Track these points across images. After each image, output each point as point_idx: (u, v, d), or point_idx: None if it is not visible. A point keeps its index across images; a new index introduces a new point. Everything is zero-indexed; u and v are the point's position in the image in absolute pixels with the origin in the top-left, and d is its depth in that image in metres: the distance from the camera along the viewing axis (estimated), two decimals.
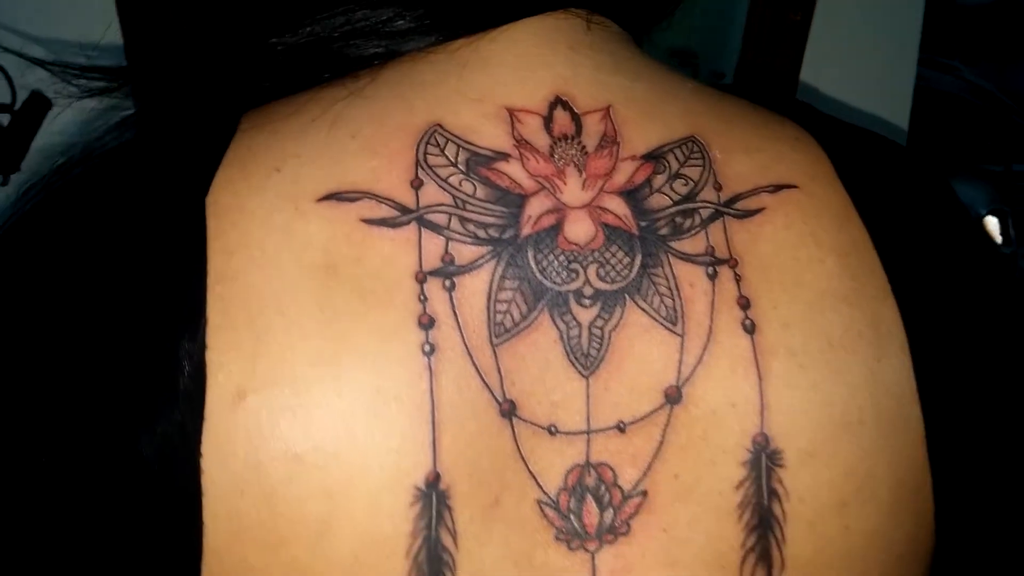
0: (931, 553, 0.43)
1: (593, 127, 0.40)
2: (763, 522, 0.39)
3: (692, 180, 0.41)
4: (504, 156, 0.39)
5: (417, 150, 0.39)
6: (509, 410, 0.37)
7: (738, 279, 0.40)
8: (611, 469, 0.38)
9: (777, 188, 0.42)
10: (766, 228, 0.41)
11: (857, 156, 0.45)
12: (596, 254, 0.39)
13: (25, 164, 0.99)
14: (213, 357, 0.35)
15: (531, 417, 0.38)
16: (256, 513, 0.35)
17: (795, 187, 0.42)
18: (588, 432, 0.38)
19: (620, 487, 0.38)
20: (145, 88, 0.43)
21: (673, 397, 0.39)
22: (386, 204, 0.38)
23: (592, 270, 0.39)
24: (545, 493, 0.38)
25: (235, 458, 0.35)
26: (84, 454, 0.35)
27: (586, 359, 0.38)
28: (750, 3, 1.31)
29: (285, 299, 0.36)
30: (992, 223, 1.38)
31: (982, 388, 0.43)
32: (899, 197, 0.44)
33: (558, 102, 0.40)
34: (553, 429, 0.38)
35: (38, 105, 0.99)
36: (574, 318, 0.38)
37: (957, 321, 0.42)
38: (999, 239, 1.37)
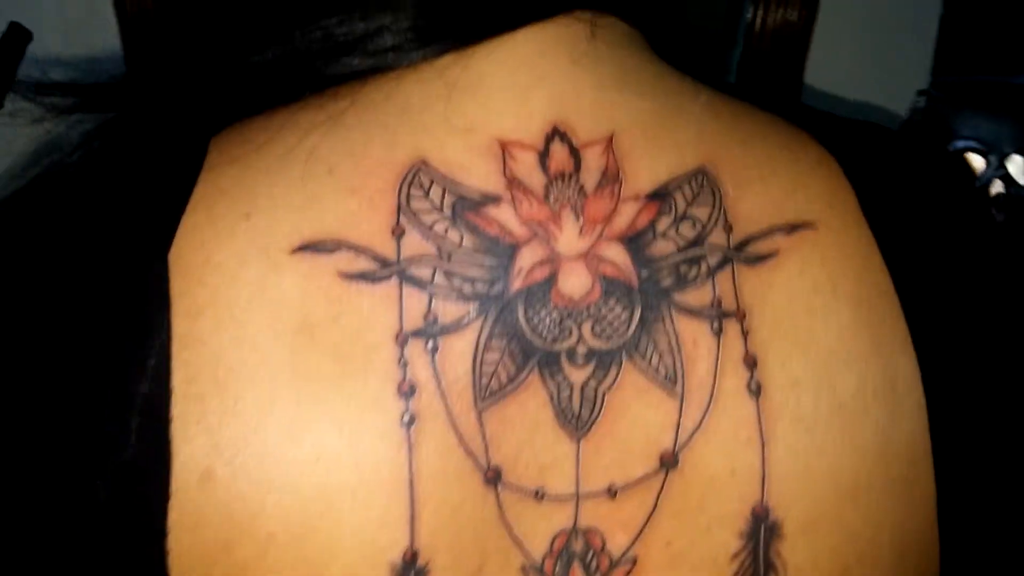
0: None
1: (593, 162, 0.36)
2: None
3: (700, 222, 0.37)
4: (495, 199, 0.35)
5: (399, 192, 0.35)
6: (494, 477, 0.35)
7: (745, 334, 0.37)
8: (600, 535, 0.36)
9: (793, 228, 0.38)
10: (779, 275, 0.38)
11: (883, 180, 0.41)
12: (592, 309, 0.36)
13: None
14: (178, 430, 0.33)
15: (517, 482, 0.35)
16: None
17: (813, 226, 0.38)
18: (577, 496, 0.36)
19: (608, 553, 0.36)
20: (108, 104, 0.38)
21: (669, 462, 0.36)
22: (365, 256, 0.34)
23: (587, 327, 0.36)
24: (530, 559, 0.36)
25: (204, 536, 0.33)
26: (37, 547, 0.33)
27: (577, 421, 0.36)
28: None
29: (256, 365, 0.33)
30: (1017, 163, 1.32)
31: (1000, 446, 0.40)
32: (929, 229, 0.40)
33: (555, 133, 0.36)
34: (540, 493, 0.36)
35: (18, 37, 0.94)
36: (566, 378, 0.36)
37: (982, 375, 0.39)
38: (1021, 180, 1.32)
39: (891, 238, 0.39)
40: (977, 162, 1.34)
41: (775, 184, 0.39)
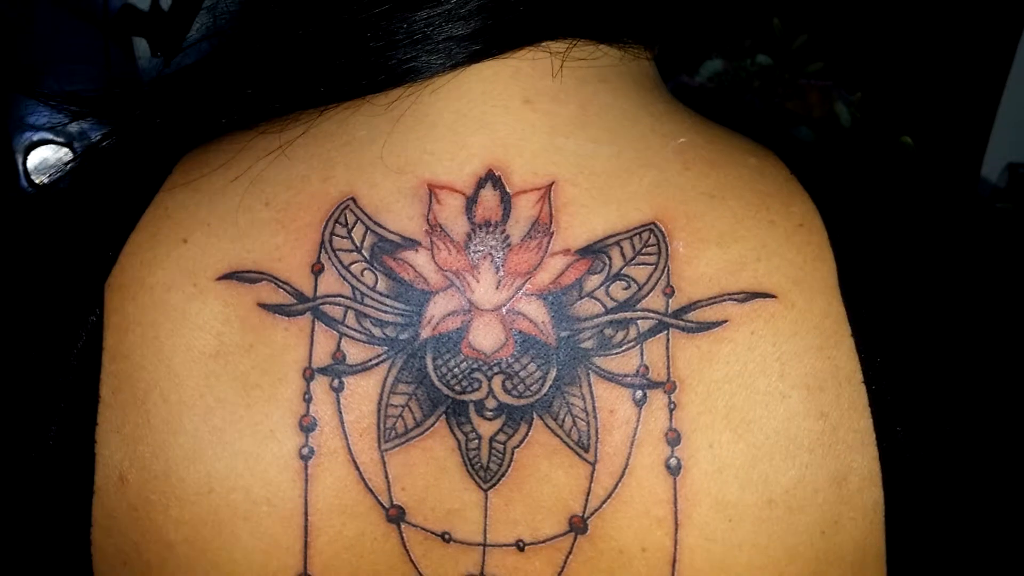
0: None
1: (525, 211, 0.35)
2: None
3: (636, 283, 0.34)
4: (413, 244, 0.35)
5: (324, 228, 0.35)
6: (397, 516, 0.35)
7: (672, 407, 0.34)
8: None
9: (748, 296, 0.34)
10: (723, 347, 0.34)
11: (880, 251, 0.35)
12: (503, 364, 0.35)
13: None
14: (101, 434, 0.36)
15: (423, 523, 0.36)
16: None
17: (772, 296, 0.34)
18: (484, 545, 0.36)
19: None
20: (110, 111, 0.41)
21: (578, 527, 0.35)
22: (284, 289, 0.35)
23: (497, 381, 0.35)
24: None
25: (119, 533, 0.36)
26: None
27: (485, 472, 0.35)
28: None
29: (170, 385, 0.35)
30: None
31: (974, 557, 0.35)
32: (924, 313, 0.35)
33: (488, 178, 0.35)
34: (447, 536, 0.36)
35: None
36: (474, 429, 0.35)
37: (960, 480, 0.34)
38: None
39: (870, 319, 0.34)
40: None
41: (737, 247, 0.35)
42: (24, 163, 0.91)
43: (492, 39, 0.36)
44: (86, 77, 1.07)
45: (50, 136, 0.89)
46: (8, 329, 0.37)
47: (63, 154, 0.90)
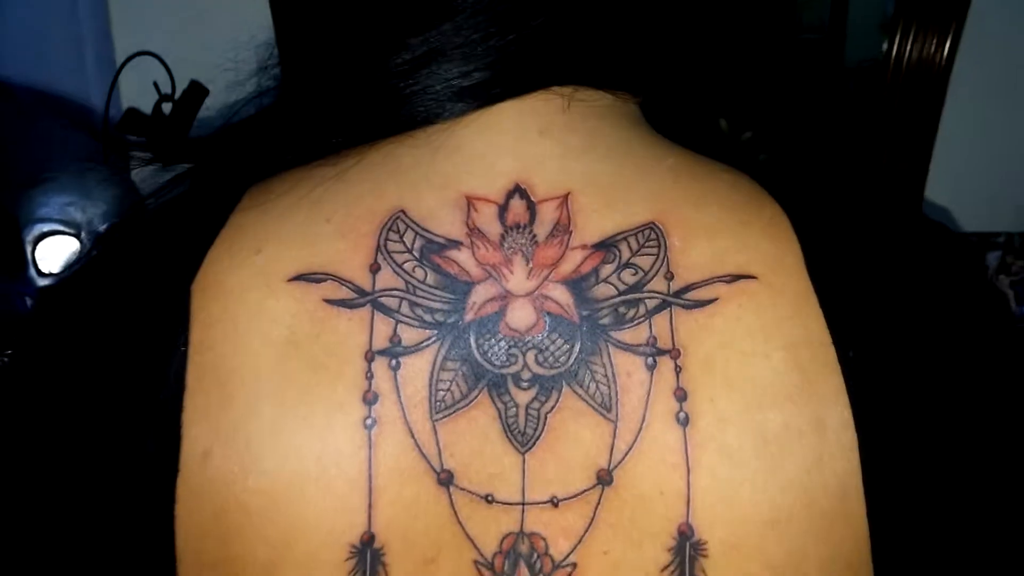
0: None
1: (547, 216, 0.42)
2: None
3: (642, 270, 0.42)
4: (456, 244, 0.42)
5: (379, 236, 0.42)
6: (447, 479, 0.41)
7: (678, 370, 0.41)
8: (543, 539, 0.41)
9: (734, 278, 0.42)
10: (716, 320, 0.41)
11: (835, 241, 0.44)
12: (536, 340, 0.41)
13: None
14: (188, 417, 0.41)
15: (469, 486, 0.41)
16: (216, 552, 0.41)
17: (753, 277, 0.42)
18: (523, 504, 0.41)
19: (551, 556, 0.41)
20: (180, 159, 0.49)
21: (604, 479, 0.41)
22: (346, 286, 0.42)
23: (531, 356, 0.41)
24: (482, 554, 0.41)
25: (202, 506, 0.41)
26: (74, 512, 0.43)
27: (523, 436, 0.41)
28: None
29: (249, 370, 0.41)
30: None
31: (937, 491, 0.41)
32: (874, 287, 0.43)
33: (516, 191, 0.43)
34: (490, 498, 0.41)
35: (196, 93, 1.10)
36: (512, 399, 0.41)
37: (919, 423, 0.41)
38: None
39: (833, 294, 0.42)
40: None
41: (722, 241, 0.43)
42: (33, 253, 0.96)
43: (511, 85, 0.44)
44: (86, 183, 1.13)
45: (60, 228, 0.95)
46: (106, 333, 0.43)
47: (72, 244, 0.96)
